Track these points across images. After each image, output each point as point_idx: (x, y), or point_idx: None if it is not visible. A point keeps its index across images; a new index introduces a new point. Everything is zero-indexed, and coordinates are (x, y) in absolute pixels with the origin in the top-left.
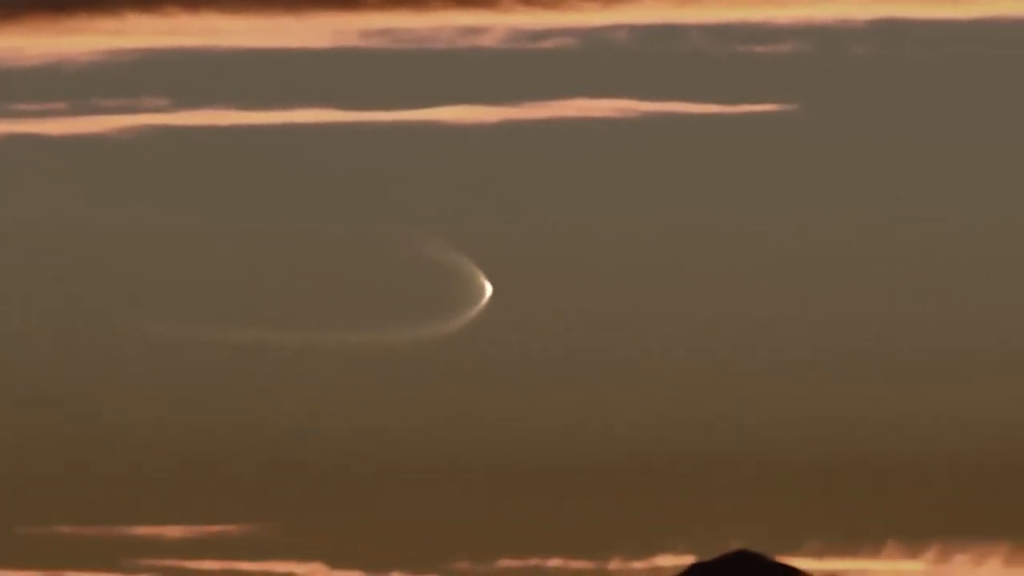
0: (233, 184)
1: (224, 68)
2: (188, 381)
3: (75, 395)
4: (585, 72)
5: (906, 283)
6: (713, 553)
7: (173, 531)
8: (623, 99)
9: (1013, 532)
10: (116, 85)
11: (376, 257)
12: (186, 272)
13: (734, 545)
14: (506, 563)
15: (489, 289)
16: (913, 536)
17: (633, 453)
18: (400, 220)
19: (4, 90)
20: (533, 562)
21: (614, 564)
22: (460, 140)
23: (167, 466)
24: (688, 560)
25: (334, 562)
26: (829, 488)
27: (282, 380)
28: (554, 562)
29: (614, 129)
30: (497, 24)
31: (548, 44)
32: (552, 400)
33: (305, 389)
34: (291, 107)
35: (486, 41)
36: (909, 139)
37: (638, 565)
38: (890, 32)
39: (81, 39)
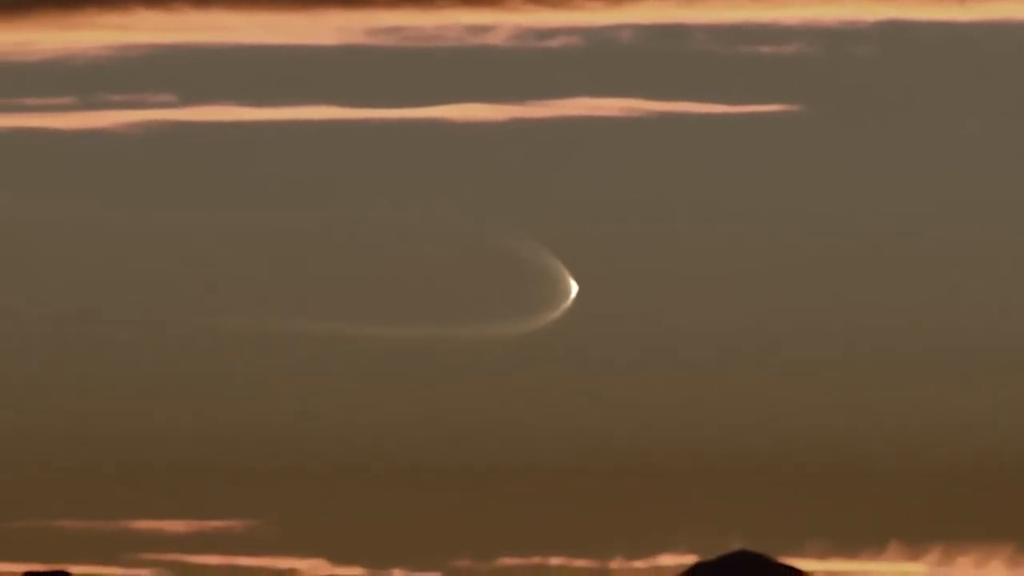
0: (238, 179)
1: (231, 64)
2: (193, 376)
3: (76, 390)
4: (591, 71)
5: (908, 285)
6: (715, 553)
7: (175, 526)
8: (628, 98)
9: (1015, 534)
10: (124, 80)
11: (377, 253)
12: (189, 266)
13: (736, 545)
14: (507, 561)
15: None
16: (915, 538)
17: (636, 453)
18: (401, 215)
19: (13, 84)
20: (535, 560)
21: (616, 563)
22: (466, 138)
23: (169, 460)
24: (690, 560)
25: (335, 558)
26: (832, 489)
27: (289, 375)
28: (556, 561)
29: (619, 128)
30: (504, 23)
31: (554, 43)
32: (553, 402)
33: (313, 384)
34: (297, 104)
35: (493, 40)
36: (912, 139)
37: (640, 564)
38: (894, 34)
39: (89, 34)
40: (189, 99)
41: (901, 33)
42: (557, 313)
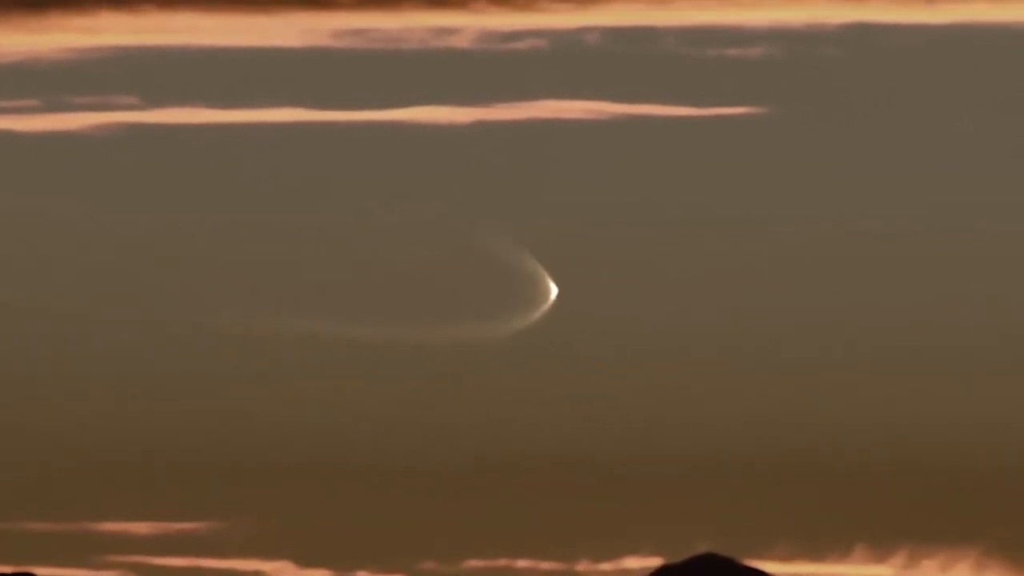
0: (203, 181)
1: (196, 66)
2: (160, 377)
3: (42, 390)
4: (556, 74)
5: (875, 284)
6: (681, 555)
7: (140, 528)
8: (594, 101)
9: (982, 538)
10: (89, 83)
11: (343, 254)
12: (154, 265)
13: (702, 548)
14: (474, 563)
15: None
16: (881, 541)
17: (602, 455)
18: (367, 217)
19: None
20: (501, 563)
21: (582, 565)
22: (431, 140)
23: (136, 462)
24: (656, 562)
25: (302, 560)
26: (798, 492)
27: (258, 376)
28: (522, 563)
29: (585, 130)
30: (469, 25)
31: (520, 45)
32: (522, 405)
33: (282, 386)
34: (262, 106)
35: (458, 42)
36: (878, 141)
37: (606, 566)
38: (860, 36)
39: (54, 37)
40: (154, 101)
41: (867, 35)
42: (536, 315)
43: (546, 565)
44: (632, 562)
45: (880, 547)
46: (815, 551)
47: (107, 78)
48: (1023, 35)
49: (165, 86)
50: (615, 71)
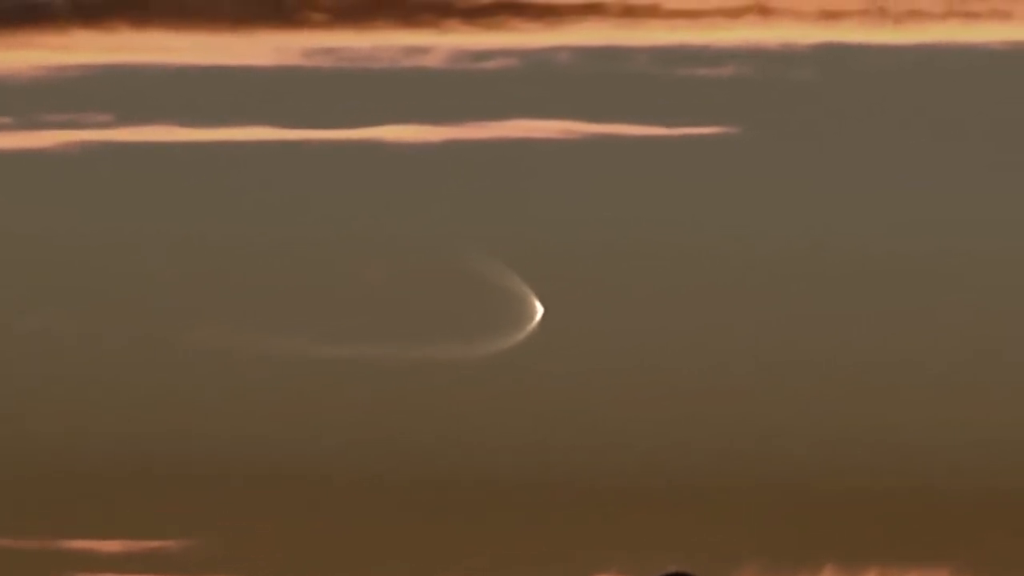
0: (176, 199)
1: (168, 85)
2: (130, 392)
3: (5, 406)
4: (527, 93)
5: (847, 304)
6: (648, 574)
7: (109, 546)
8: (565, 120)
9: (953, 559)
10: (60, 100)
11: (316, 272)
12: (126, 280)
13: (671, 567)
14: None
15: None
16: (852, 561)
17: (571, 474)
18: (341, 238)
19: None
20: None
21: None
22: (402, 159)
23: (104, 478)
24: None
25: None
26: (767, 510)
27: (226, 394)
28: None
29: (557, 150)
30: (440, 44)
31: (491, 65)
32: (487, 422)
33: (255, 403)
34: (234, 125)
35: (429, 61)
36: (850, 162)
37: None
38: (832, 57)
39: (25, 54)
40: (126, 119)
41: (838, 56)
42: (522, 334)
43: None
44: None
45: (850, 567)
46: (784, 571)
47: (80, 96)
48: (995, 56)
49: (138, 104)
50: (586, 90)
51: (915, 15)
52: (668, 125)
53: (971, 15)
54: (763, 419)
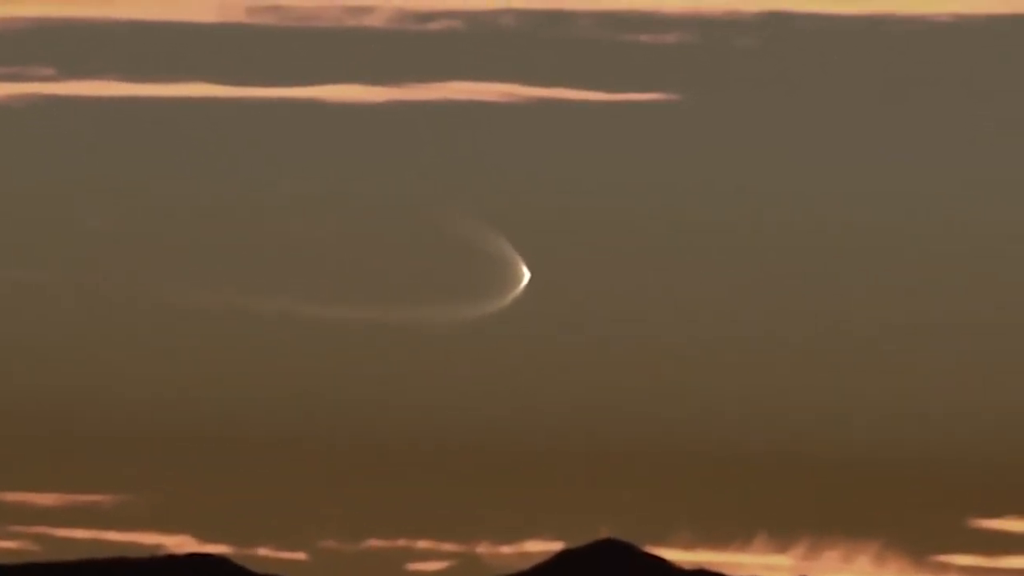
0: (118, 153)
1: (112, 39)
2: (68, 345)
3: None
4: (471, 55)
5: (778, 272)
6: (582, 540)
7: (44, 499)
8: (508, 83)
9: (883, 532)
10: (6, 54)
11: (258, 229)
12: (65, 234)
13: (603, 533)
14: (374, 543)
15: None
16: (783, 531)
17: (508, 440)
18: (276, 196)
19: None
20: (401, 543)
21: (482, 547)
22: (344, 118)
23: (40, 433)
24: (556, 547)
25: (203, 535)
26: (700, 480)
27: (173, 349)
28: (423, 544)
29: (498, 112)
30: (383, 5)
31: (435, 26)
32: (434, 388)
33: (196, 360)
34: (176, 81)
35: (372, 21)
36: (791, 129)
37: (506, 549)
38: (774, 25)
39: None
40: (70, 73)
41: (781, 24)
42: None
43: (447, 547)
44: (533, 545)
45: (782, 537)
46: (717, 539)
47: (24, 49)
48: (937, 26)
49: (82, 58)
50: (529, 54)
51: None
52: (611, 90)
53: None
54: (701, 391)
